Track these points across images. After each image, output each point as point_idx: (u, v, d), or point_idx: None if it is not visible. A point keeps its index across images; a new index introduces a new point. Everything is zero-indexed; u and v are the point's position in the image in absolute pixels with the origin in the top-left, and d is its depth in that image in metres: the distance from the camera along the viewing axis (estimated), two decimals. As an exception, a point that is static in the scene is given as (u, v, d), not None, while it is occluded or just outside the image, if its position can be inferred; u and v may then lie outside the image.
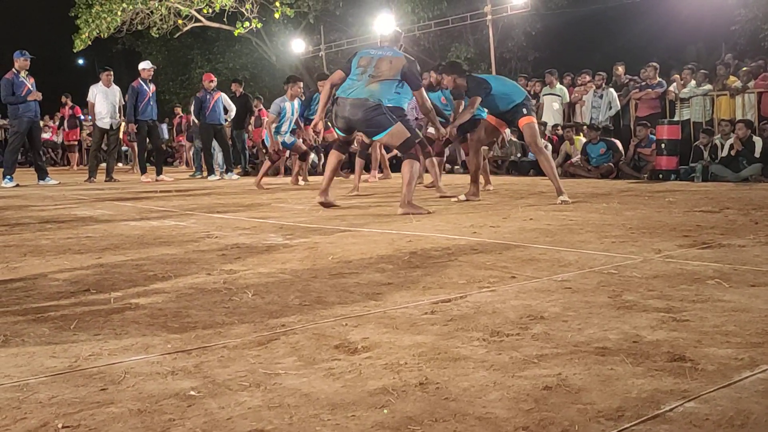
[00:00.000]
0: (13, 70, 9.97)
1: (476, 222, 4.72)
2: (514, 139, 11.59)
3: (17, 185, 9.78)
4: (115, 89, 11.40)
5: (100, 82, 11.31)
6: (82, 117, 17.50)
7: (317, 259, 3.37)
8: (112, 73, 11.49)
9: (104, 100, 11.20)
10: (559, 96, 11.90)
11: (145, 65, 11.36)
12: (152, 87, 11.24)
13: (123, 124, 11.80)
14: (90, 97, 11.35)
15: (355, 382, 1.66)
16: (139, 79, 11.02)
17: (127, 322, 2.25)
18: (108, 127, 11.28)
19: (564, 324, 2.12)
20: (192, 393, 1.61)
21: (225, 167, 12.06)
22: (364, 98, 5.48)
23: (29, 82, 10.04)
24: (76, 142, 18.30)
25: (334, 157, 6.02)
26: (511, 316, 2.23)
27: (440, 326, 2.13)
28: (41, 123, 19.95)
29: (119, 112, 11.50)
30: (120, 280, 2.96)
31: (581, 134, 10.64)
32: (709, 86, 10.39)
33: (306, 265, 3.22)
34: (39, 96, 10.13)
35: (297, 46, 20.72)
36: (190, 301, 2.53)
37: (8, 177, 9.97)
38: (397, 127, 5.52)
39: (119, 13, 19.21)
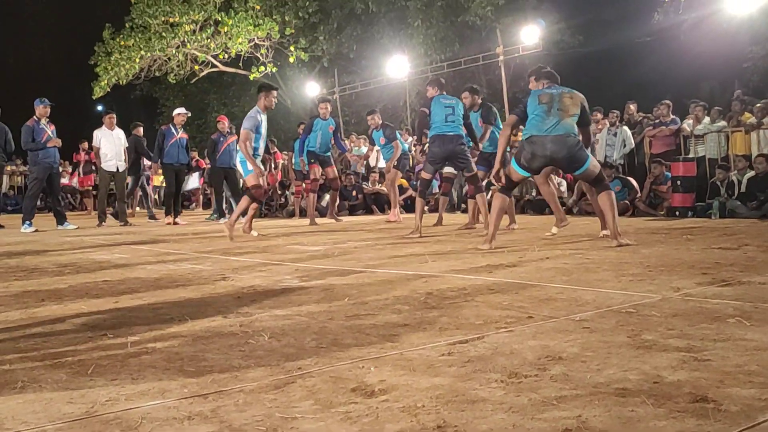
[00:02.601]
0: (34, 117, 10.17)
1: (492, 261, 4.71)
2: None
3: (36, 230, 9.89)
4: (119, 132, 11.64)
5: (104, 126, 11.53)
6: None
7: (333, 301, 3.37)
8: (114, 115, 11.74)
9: (108, 143, 11.41)
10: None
11: (179, 111, 11.72)
12: (182, 133, 11.51)
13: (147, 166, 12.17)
14: (95, 142, 11.60)
15: (372, 426, 1.64)
16: (170, 124, 11.38)
17: (143, 366, 2.25)
18: (114, 169, 11.47)
19: (583, 365, 2.10)
20: (208, 438, 1.60)
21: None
22: (565, 134, 5.44)
23: (49, 129, 10.22)
24: (91, 188, 18.51)
25: (500, 200, 5.73)
26: (529, 357, 2.20)
27: (458, 368, 2.11)
28: (60, 169, 20.22)
29: (125, 154, 11.70)
30: (137, 323, 2.96)
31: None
32: (723, 123, 10.38)
33: (322, 307, 3.21)
34: (59, 143, 10.32)
35: (311, 89, 21.01)
36: (207, 345, 2.53)
37: (27, 222, 10.09)
38: (593, 161, 5.59)
39: (137, 60, 19.65)
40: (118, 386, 2.05)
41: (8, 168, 13.96)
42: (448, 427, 1.61)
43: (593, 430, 1.56)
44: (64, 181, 20.32)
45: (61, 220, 10.61)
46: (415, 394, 1.87)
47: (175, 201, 12.53)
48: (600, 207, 5.77)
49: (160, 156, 11.37)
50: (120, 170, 11.55)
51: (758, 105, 10.34)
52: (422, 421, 1.65)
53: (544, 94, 5.57)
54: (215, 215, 12.21)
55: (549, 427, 1.59)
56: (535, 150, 5.46)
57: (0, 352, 2.50)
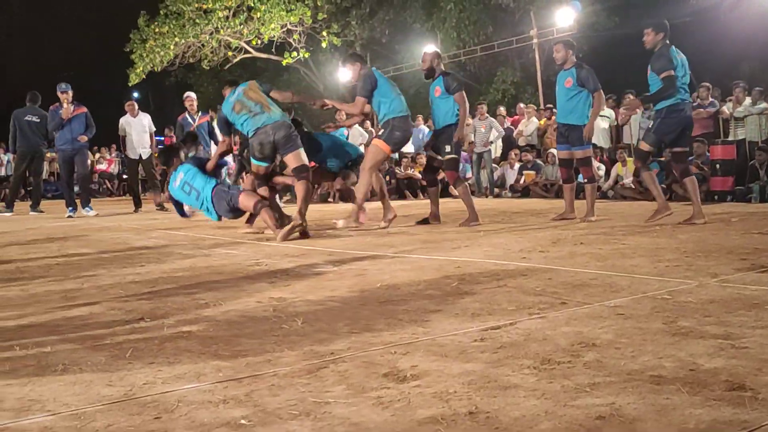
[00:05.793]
0: (58, 103, 10.30)
1: (525, 246, 4.68)
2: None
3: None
4: (143, 117, 11.58)
5: (127, 114, 11.58)
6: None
7: (366, 286, 3.38)
8: (134, 102, 11.78)
9: (132, 130, 11.47)
10: (607, 117, 11.74)
11: (185, 95, 11.54)
12: (199, 118, 11.06)
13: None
14: (120, 131, 11.63)
15: (404, 411, 1.65)
16: (185, 112, 11.17)
17: (179, 351, 2.29)
18: (137, 156, 11.52)
19: (617, 351, 2.08)
20: (243, 422, 1.63)
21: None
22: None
23: (70, 113, 10.12)
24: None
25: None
26: (562, 344, 2.19)
27: (490, 354, 2.11)
28: (97, 155, 20.40)
29: (151, 140, 11.71)
30: (173, 308, 3.01)
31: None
32: (765, 104, 10.13)
33: (355, 292, 3.23)
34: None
35: (344, 74, 20.96)
36: (241, 329, 2.56)
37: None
38: None
39: (172, 47, 19.81)
40: (155, 369, 2.09)
41: (48, 155, 14.06)
42: (480, 413, 1.61)
43: (627, 418, 1.55)
44: (102, 167, 20.71)
45: (84, 203, 10.67)
46: (446, 379, 1.88)
47: None
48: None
49: None
50: (144, 157, 11.56)
51: (801, 85, 10.08)
52: (454, 407, 1.66)
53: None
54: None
55: (582, 414, 1.58)
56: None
57: (41, 335, 2.57)
